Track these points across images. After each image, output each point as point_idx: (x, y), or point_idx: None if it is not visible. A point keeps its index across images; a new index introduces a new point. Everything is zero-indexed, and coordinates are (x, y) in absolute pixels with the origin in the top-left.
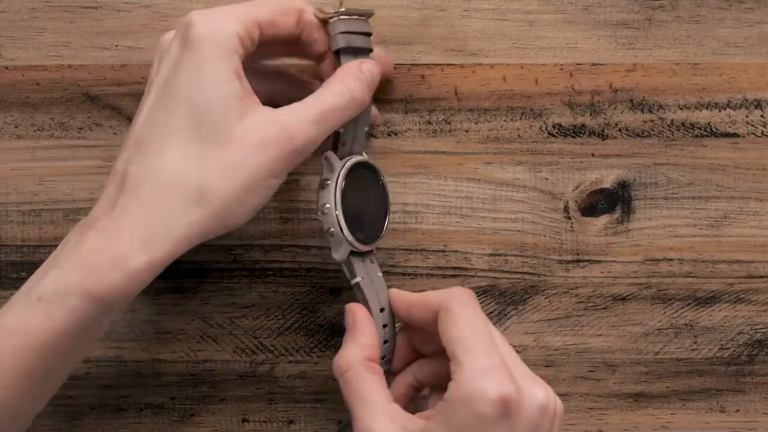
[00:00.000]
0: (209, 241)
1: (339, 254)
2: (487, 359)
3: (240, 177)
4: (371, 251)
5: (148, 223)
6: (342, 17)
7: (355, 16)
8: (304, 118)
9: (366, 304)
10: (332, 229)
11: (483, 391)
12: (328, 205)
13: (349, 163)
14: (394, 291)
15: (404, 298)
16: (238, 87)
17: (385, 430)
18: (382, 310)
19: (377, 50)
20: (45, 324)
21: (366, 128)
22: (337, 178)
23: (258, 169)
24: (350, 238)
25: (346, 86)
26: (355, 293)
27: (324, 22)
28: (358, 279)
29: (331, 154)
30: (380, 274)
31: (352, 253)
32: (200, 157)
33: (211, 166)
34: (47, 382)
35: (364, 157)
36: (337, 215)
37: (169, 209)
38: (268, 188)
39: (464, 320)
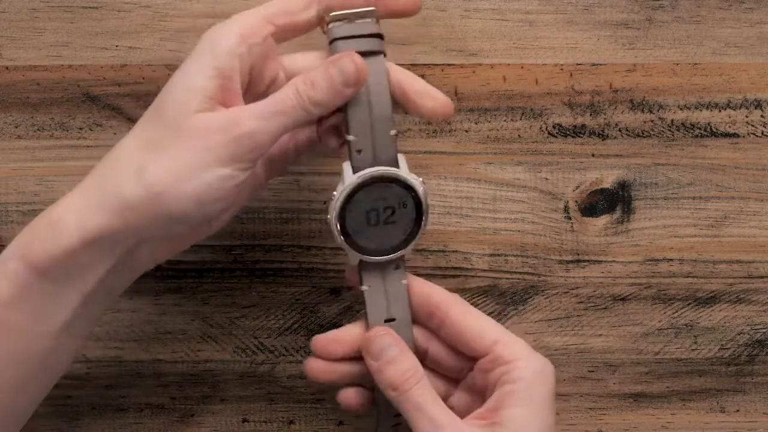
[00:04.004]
0: (209, 240)
1: (351, 260)
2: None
3: (179, 159)
4: (397, 259)
5: (87, 195)
6: (336, 22)
7: (350, 19)
8: (253, 110)
9: (366, 314)
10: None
11: (546, 363)
12: (329, 217)
13: (360, 180)
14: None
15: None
16: (211, 84)
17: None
18: (391, 320)
19: (435, 90)
20: None
21: (392, 132)
22: (341, 193)
23: (200, 154)
24: (349, 250)
25: (295, 84)
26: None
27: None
28: (363, 287)
29: (345, 164)
30: (404, 281)
31: (363, 261)
32: (149, 140)
33: (154, 148)
34: (6, 363)
35: (387, 169)
36: (334, 228)
37: (107, 183)
38: (214, 177)
39: (481, 313)
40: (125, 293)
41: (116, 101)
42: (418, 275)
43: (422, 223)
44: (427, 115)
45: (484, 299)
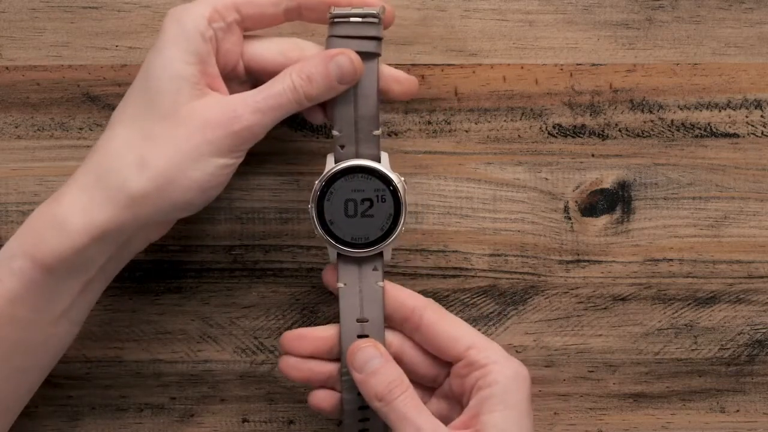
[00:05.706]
0: (209, 240)
1: (329, 255)
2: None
3: (181, 150)
4: (376, 258)
5: (90, 189)
6: (337, 20)
7: (352, 18)
8: (250, 103)
9: (339, 311)
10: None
11: (521, 367)
12: (310, 205)
13: (339, 167)
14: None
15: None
16: (194, 70)
17: None
18: (364, 321)
19: (400, 73)
20: None
21: (376, 132)
22: (320, 179)
23: (201, 146)
24: (325, 237)
25: (291, 78)
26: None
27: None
28: (339, 285)
29: (329, 156)
30: (380, 284)
31: (341, 257)
32: (146, 131)
33: (153, 139)
34: (12, 353)
35: (365, 162)
36: (312, 215)
37: (109, 178)
38: (215, 166)
39: (456, 317)
40: (125, 293)
41: (116, 101)
42: (418, 275)
43: (400, 219)
44: (397, 98)
45: (484, 299)
